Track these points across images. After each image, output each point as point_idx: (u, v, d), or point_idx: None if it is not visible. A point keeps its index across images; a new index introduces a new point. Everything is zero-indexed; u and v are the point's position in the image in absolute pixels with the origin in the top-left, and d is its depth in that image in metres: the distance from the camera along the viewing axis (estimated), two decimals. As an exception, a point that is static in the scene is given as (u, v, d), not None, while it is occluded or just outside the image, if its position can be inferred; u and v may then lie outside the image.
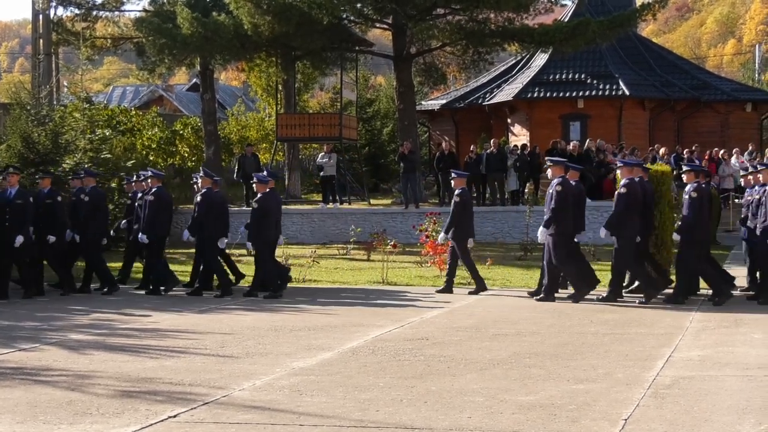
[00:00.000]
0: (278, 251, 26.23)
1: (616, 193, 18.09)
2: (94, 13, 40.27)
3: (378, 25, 38.93)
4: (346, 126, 38.97)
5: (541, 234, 18.23)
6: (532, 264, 21.36)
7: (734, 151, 38.00)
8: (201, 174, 20.25)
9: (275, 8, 32.80)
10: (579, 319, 15.33)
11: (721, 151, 37.10)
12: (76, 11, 40.01)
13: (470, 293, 19.13)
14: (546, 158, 24.18)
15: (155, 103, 64.89)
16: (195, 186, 21.35)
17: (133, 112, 45.58)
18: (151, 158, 40.44)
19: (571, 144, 35.26)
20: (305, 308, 17.20)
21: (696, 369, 11.02)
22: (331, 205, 33.99)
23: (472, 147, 36.53)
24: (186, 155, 43.41)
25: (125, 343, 13.28)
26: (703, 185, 17.85)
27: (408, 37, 36.39)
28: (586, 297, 17.70)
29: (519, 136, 42.95)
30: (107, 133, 32.77)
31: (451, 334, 13.81)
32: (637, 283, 18.41)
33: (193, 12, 34.06)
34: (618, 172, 18.56)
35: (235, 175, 36.54)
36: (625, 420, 8.57)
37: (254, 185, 19.89)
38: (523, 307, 17.19)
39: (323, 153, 35.78)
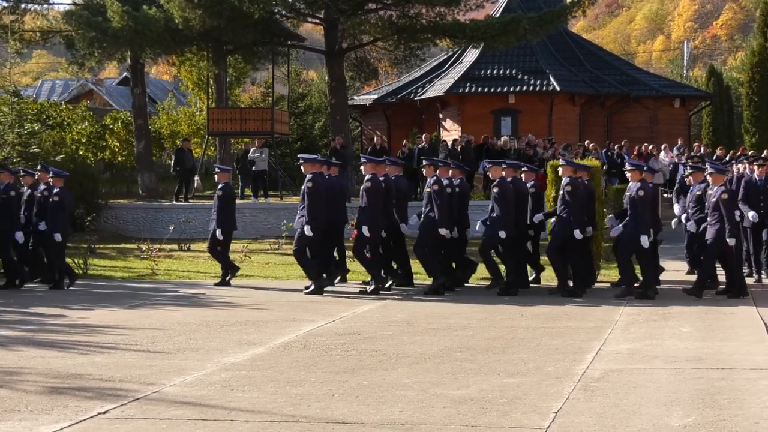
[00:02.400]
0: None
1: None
2: (23, 5, 39.70)
3: (310, 19, 38.93)
4: (278, 120, 38.95)
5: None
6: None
7: (663, 146, 38.47)
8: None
9: (206, 2, 32.58)
10: (510, 313, 15.41)
11: (650, 147, 37.50)
12: (4, 3, 39.55)
13: (215, 284, 19.69)
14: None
15: (85, 97, 64.22)
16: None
17: (63, 107, 45.20)
18: (81, 153, 40.08)
19: (502, 139, 35.51)
20: (236, 303, 17.12)
21: (625, 362, 11.13)
22: (262, 200, 33.90)
23: (404, 142, 36.63)
24: (116, 150, 43.09)
25: (55, 339, 13.14)
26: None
27: (340, 32, 36.35)
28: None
29: (450, 131, 43.08)
30: (36, 128, 32.42)
31: (383, 329, 13.83)
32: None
33: (123, 5, 33.76)
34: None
35: (172, 170, 36.24)
36: (556, 413, 8.63)
37: (51, 179, 19.88)
38: (456, 301, 17.23)
39: (254, 148, 35.68)
